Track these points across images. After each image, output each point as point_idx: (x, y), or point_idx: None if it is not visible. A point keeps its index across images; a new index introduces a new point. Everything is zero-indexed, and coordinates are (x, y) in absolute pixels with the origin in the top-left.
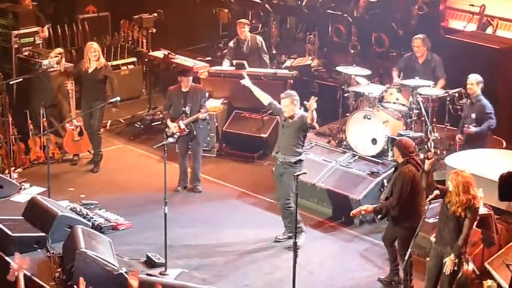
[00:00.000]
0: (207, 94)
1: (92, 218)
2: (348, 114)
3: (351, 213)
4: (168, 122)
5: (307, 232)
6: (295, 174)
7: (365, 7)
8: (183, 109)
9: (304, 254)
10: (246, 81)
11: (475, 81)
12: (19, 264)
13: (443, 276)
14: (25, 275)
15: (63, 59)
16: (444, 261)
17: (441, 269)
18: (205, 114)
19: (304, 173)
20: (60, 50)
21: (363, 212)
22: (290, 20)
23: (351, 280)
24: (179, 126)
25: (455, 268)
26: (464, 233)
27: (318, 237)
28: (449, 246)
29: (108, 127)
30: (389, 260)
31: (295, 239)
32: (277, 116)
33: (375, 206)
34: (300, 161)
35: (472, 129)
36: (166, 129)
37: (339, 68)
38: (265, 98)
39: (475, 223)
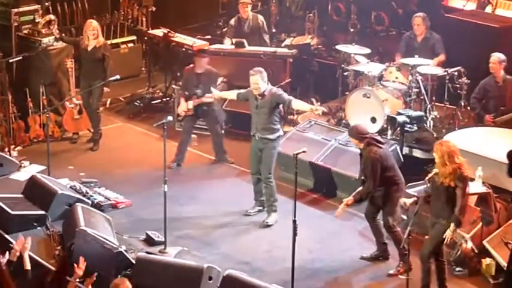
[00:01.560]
0: (220, 79)
1: (92, 196)
2: (347, 93)
3: (336, 215)
4: (182, 101)
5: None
6: (294, 152)
7: None
8: (195, 90)
9: (303, 232)
10: (216, 93)
11: (497, 60)
12: (22, 244)
13: (431, 238)
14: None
15: (56, 25)
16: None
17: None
18: (210, 99)
19: (304, 151)
20: (51, 16)
21: (346, 208)
22: None
23: (350, 258)
24: (187, 107)
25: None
26: (459, 205)
27: (316, 215)
28: (441, 218)
29: (107, 105)
30: (374, 235)
31: (295, 217)
32: (248, 100)
33: (354, 195)
34: (279, 136)
35: None
36: (178, 108)
37: (338, 47)
38: (232, 94)
39: (468, 191)
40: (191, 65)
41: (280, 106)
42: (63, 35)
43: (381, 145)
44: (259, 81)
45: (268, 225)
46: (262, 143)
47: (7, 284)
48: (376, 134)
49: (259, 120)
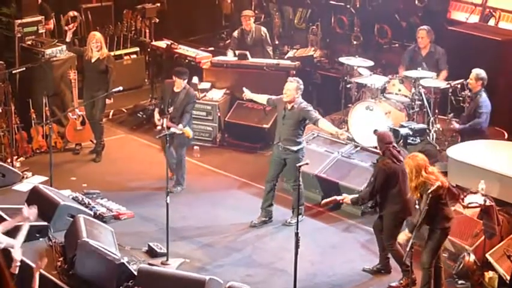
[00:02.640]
0: (222, 91)
1: (94, 207)
2: (350, 105)
3: (321, 203)
4: (156, 111)
5: (303, 217)
6: (298, 164)
7: None
8: (168, 109)
9: (305, 244)
10: (248, 94)
11: (474, 76)
12: (37, 266)
13: (430, 246)
14: (26, 264)
15: (74, 28)
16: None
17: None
18: (180, 131)
19: (307, 164)
20: (74, 13)
21: (341, 201)
22: (293, 10)
23: (352, 270)
24: (162, 124)
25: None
26: (417, 215)
27: (319, 227)
28: (431, 227)
29: (110, 117)
30: (379, 248)
31: (297, 230)
32: (277, 107)
33: (351, 197)
34: (302, 148)
35: (455, 126)
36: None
37: (341, 59)
38: (263, 99)
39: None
40: (172, 80)
41: (307, 121)
42: (75, 39)
43: (396, 161)
44: (293, 89)
45: (290, 224)
46: (285, 153)
47: (6, 283)
48: (399, 149)
49: (283, 131)
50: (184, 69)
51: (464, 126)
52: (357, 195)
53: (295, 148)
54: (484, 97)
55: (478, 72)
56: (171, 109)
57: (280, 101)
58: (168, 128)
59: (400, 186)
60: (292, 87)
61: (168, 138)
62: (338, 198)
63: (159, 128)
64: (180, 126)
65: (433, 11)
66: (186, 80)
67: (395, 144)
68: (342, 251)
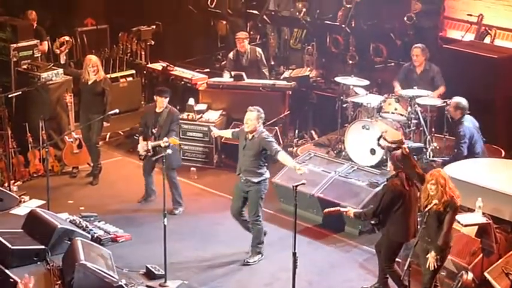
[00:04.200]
0: (219, 112)
1: (92, 230)
2: (346, 125)
3: (324, 211)
4: (140, 139)
5: (262, 257)
6: (294, 184)
7: (344, 15)
8: (152, 130)
9: (303, 264)
10: (215, 132)
11: (454, 105)
12: (25, 285)
13: (425, 270)
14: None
15: (66, 50)
16: (427, 256)
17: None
18: (166, 143)
19: (303, 184)
20: (67, 38)
21: (344, 213)
22: (289, 30)
23: None
24: (147, 146)
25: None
26: (444, 231)
27: (316, 247)
28: (432, 245)
29: (107, 139)
30: (379, 268)
31: (295, 249)
32: (238, 138)
33: (355, 211)
34: (264, 180)
35: (439, 160)
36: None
37: (337, 79)
38: (228, 133)
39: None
40: (152, 104)
41: (267, 152)
42: (70, 62)
43: (405, 184)
44: (254, 118)
45: (249, 264)
46: (246, 185)
47: None
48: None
49: (244, 162)
50: (165, 88)
51: (445, 160)
52: (360, 210)
53: (256, 180)
54: (464, 127)
55: (458, 101)
56: (155, 130)
57: (242, 131)
58: (154, 148)
59: (404, 209)
60: (253, 116)
61: (164, 160)
62: (342, 209)
63: (143, 154)
64: (165, 139)
65: (424, 28)
66: (167, 99)
67: None
68: (340, 271)
